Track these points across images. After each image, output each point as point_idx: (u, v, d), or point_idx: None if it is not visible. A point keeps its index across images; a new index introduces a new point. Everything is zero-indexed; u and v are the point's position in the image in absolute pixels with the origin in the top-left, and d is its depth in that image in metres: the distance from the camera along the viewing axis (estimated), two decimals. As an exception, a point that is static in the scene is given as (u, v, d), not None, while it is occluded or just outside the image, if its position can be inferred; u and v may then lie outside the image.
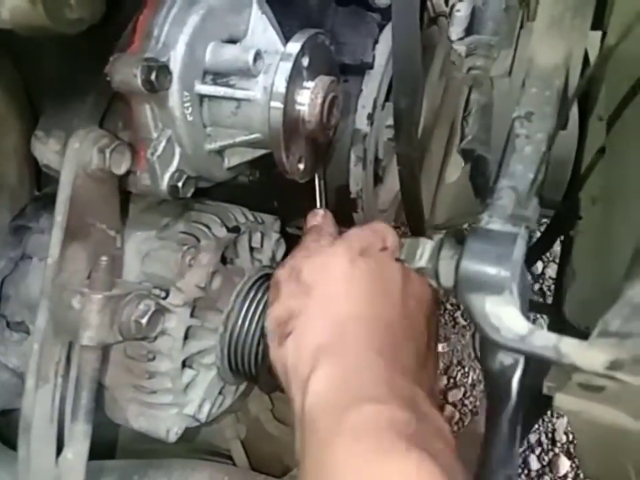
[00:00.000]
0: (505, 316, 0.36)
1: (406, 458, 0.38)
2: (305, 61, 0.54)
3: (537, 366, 0.42)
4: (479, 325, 0.36)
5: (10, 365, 0.61)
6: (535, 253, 1.03)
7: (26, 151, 0.65)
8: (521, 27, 0.57)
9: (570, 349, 0.34)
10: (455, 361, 1.58)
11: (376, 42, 0.70)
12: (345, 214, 0.80)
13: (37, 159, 0.52)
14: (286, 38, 0.58)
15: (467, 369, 1.56)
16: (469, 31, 0.59)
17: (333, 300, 0.48)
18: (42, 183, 0.72)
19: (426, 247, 0.40)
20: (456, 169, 0.97)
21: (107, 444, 0.72)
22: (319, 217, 0.62)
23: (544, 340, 0.35)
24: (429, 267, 0.39)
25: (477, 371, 1.55)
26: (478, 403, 1.52)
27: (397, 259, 0.43)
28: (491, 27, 0.56)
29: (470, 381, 1.54)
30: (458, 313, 1.66)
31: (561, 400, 0.40)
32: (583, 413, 0.39)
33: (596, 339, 0.34)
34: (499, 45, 0.56)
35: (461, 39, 0.59)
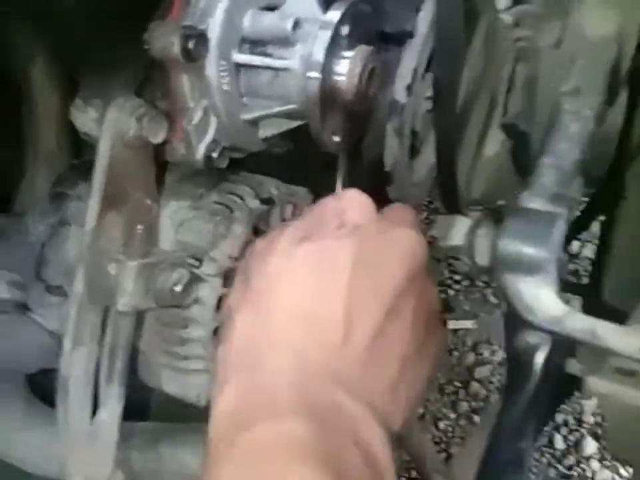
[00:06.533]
0: (541, 297, 0.35)
1: None
2: (345, 30, 0.53)
3: (564, 347, 0.42)
4: (514, 305, 0.36)
5: (49, 327, 0.63)
6: (572, 231, 1.00)
7: (64, 118, 0.66)
8: (573, -5, 0.54)
9: (606, 333, 0.33)
10: (483, 338, 1.57)
11: (418, 9, 0.68)
12: (379, 187, 0.79)
13: (75, 127, 0.53)
14: (327, 3, 0.56)
15: (495, 347, 1.55)
16: (518, -1, 0.57)
17: (263, 297, 0.42)
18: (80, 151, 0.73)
19: (462, 224, 0.39)
20: (495, 143, 0.95)
21: (139, 407, 0.74)
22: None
23: (580, 323, 0.34)
24: (464, 244, 0.38)
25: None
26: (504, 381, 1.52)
27: (431, 237, 0.43)
28: (541, -5, 0.53)
29: (498, 359, 1.53)
30: (488, 291, 1.64)
31: (593, 383, 0.40)
32: (614, 397, 0.39)
33: (633, 324, 0.33)
34: (549, 15, 0.54)
35: (509, 8, 0.57)
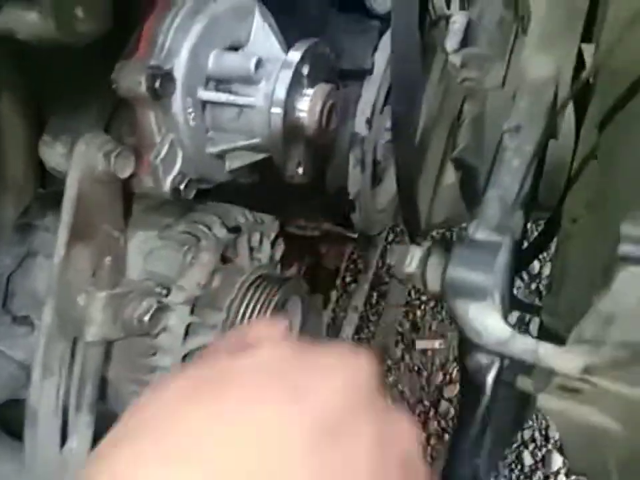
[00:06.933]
0: (488, 321, 0.38)
1: None
2: (305, 70, 0.56)
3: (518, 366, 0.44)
4: (463, 329, 0.38)
5: (16, 357, 0.63)
6: (530, 252, 1.05)
7: (31, 150, 0.67)
8: (516, 38, 0.58)
9: (547, 354, 0.36)
10: (451, 358, 1.61)
11: (375, 48, 0.72)
12: (344, 215, 0.82)
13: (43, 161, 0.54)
14: (288, 43, 0.59)
15: (462, 366, 1.58)
16: (464, 42, 0.61)
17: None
18: (46, 181, 0.74)
19: (415, 253, 0.42)
20: (454, 172, 0.99)
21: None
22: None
23: (523, 345, 0.37)
24: (417, 272, 0.41)
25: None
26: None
27: (388, 265, 0.45)
28: (485, 39, 0.58)
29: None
30: (455, 311, 1.68)
31: (544, 400, 0.42)
32: (564, 414, 0.41)
33: (572, 345, 0.36)
34: (493, 57, 0.58)
35: (457, 50, 0.61)
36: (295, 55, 0.55)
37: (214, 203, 0.68)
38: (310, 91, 0.56)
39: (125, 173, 0.51)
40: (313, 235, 0.88)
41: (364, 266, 1.16)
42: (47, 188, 0.72)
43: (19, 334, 0.63)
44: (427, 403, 1.55)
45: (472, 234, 0.41)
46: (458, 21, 0.61)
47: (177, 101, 0.53)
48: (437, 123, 0.95)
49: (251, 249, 0.69)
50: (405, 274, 0.41)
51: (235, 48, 0.57)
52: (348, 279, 1.45)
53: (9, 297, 0.62)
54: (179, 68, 0.52)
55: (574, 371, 0.35)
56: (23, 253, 0.62)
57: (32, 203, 0.66)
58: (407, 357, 1.49)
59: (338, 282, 1.30)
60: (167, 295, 0.58)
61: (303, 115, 0.56)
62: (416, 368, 1.53)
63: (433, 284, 0.41)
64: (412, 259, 0.42)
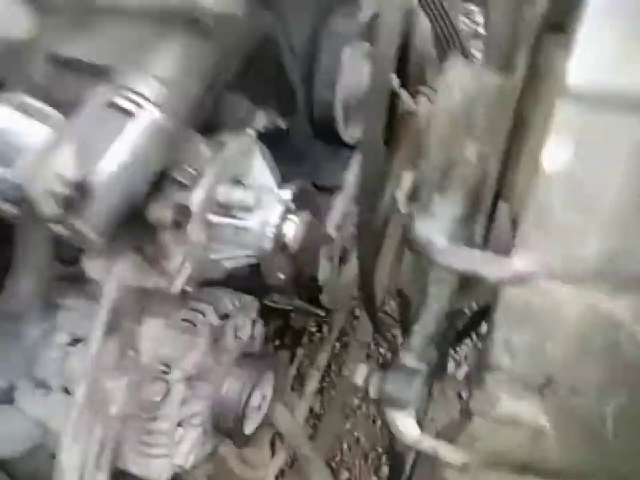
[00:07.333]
0: (405, 426, 0.55)
1: None
2: (293, 204, 0.71)
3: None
4: (390, 428, 0.56)
5: (34, 414, 0.75)
6: (467, 328, 1.23)
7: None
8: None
9: (442, 451, 0.54)
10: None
11: (347, 168, 0.89)
12: (313, 297, 0.98)
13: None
14: (281, 166, 0.75)
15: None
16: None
17: None
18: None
19: (362, 370, 0.60)
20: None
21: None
22: None
23: (426, 444, 0.55)
24: (364, 385, 0.59)
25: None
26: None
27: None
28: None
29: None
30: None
31: (450, 475, 0.59)
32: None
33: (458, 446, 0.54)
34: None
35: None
36: (286, 194, 0.71)
37: (207, 289, 0.83)
38: (296, 219, 0.72)
39: (150, 285, 0.65)
40: (285, 309, 1.03)
41: (328, 328, 1.31)
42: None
43: (39, 394, 0.75)
44: (379, 449, 1.70)
45: (401, 359, 0.59)
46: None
47: (191, 225, 0.68)
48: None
49: (236, 329, 0.84)
50: (355, 384, 0.59)
51: (239, 179, 0.72)
52: (314, 332, 1.59)
53: (34, 364, 0.74)
54: (196, 203, 0.67)
55: (458, 464, 0.53)
56: (48, 328, 0.75)
57: (55, 282, 0.79)
58: (363, 406, 1.65)
59: (304, 340, 1.46)
60: (168, 373, 0.72)
61: (288, 238, 0.72)
62: (371, 416, 1.68)
63: (374, 394, 0.58)
64: (360, 374, 0.60)
